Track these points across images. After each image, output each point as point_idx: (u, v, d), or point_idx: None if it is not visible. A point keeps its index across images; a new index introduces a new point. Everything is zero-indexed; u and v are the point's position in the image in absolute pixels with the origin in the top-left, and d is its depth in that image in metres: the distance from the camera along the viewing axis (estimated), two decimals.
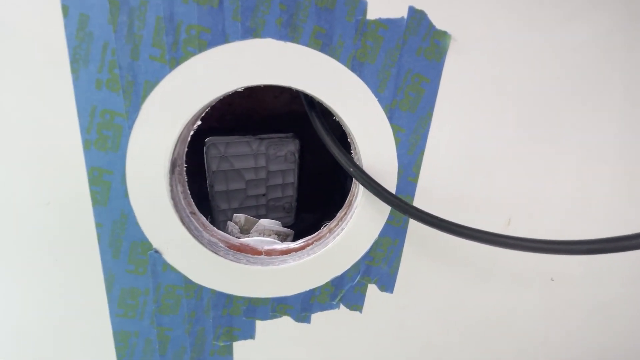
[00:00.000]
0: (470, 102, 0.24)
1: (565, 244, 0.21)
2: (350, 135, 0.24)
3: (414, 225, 0.26)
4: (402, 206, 0.23)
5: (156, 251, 0.23)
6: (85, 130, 0.20)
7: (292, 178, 0.90)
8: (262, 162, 0.90)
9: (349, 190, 0.28)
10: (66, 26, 0.18)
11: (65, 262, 0.22)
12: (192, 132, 0.24)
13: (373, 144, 0.23)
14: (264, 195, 0.89)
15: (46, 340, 0.24)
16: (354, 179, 0.25)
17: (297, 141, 0.85)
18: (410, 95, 0.23)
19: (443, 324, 0.30)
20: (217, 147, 0.88)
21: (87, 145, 0.20)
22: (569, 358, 0.34)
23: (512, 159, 0.26)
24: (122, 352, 0.25)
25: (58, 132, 0.20)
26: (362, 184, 0.23)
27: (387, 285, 0.27)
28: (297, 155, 0.87)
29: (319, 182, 0.97)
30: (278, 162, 0.91)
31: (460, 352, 0.32)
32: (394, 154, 0.24)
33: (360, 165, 0.24)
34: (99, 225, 0.22)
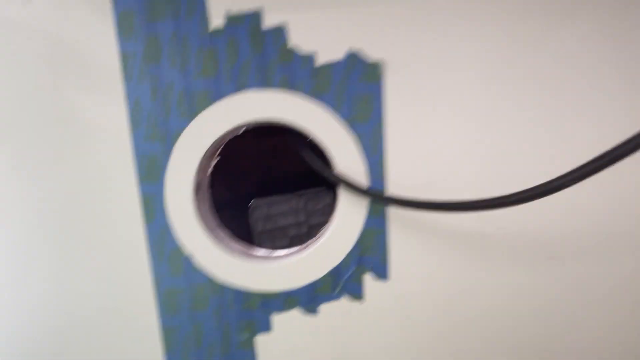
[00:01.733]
0: (414, 106, 0.30)
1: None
2: (324, 148, 0.31)
3: (393, 213, 0.30)
4: (375, 195, 0.29)
5: (188, 256, 0.30)
6: (139, 168, 0.30)
7: None
8: (302, 217, 0.98)
9: None
10: (127, 106, 0.29)
11: (120, 269, 0.31)
12: (211, 167, 0.33)
13: (341, 151, 0.30)
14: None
15: (103, 340, 0.31)
16: (334, 183, 0.31)
17: (332, 193, 0.93)
18: (361, 111, 0.30)
19: (444, 309, 0.32)
20: (260, 209, 0.98)
21: (140, 179, 0.30)
22: (575, 340, 0.32)
23: (470, 149, 0.30)
24: (168, 346, 0.31)
25: (121, 172, 0.30)
26: (339, 185, 0.30)
27: (381, 273, 0.31)
28: (334, 207, 0.93)
29: None
30: (317, 216, 0.98)
31: (466, 337, 0.32)
32: (360, 157, 0.30)
33: (335, 170, 0.30)
34: (148, 238, 0.30)
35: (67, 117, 0.29)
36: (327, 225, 0.33)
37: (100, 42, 0.29)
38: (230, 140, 0.34)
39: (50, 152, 0.30)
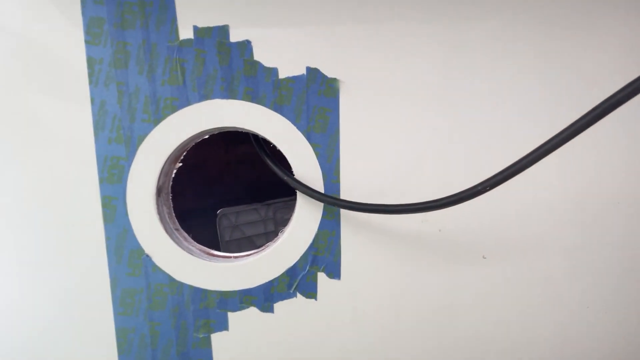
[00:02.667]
0: (365, 120, 0.33)
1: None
2: (284, 154, 0.33)
3: (345, 217, 0.33)
4: (328, 200, 0.31)
5: (147, 256, 0.31)
6: (100, 170, 0.30)
7: None
8: (271, 227, 0.98)
9: None
10: (92, 109, 0.30)
11: (79, 268, 0.31)
12: (174, 170, 0.34)
13: (300, 158, 0.32)
14: None
15: (56, 337, 0.31)
16: (293, 187, 0.33)
17: None
18: (319, 122, 0.32)
19: (394, 308, 0.34)
20: (228, 218, 0.98)
21: (101, 180, 0.30)
22: (526, 340, 0.36)
23: (416, 160, 0.34)
24: (122, 348, 0.31)
25: (82, 172, 0.30)
26: (297, 189, 0.32)
27: (334, 272, 0.33)
28: None
29: None
30: (286, 225, 0.99)
31: (414, 336, 0.35)
32: (316, 164, 0.33)
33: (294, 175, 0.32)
34: (108, 238, 0.31)
35: (31, 116, 0.30)
36: (283, 230, 0.35)
37: (67, 45, 0.29)
38: (198, 149, 0.35)
39: (12, 150, 0.30)
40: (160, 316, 0.32)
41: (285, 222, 0.99)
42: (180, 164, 0.35)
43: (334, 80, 0.32)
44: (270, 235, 0.97)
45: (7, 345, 0.31)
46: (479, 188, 0.25)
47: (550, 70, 0.33)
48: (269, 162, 0.33)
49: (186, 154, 0.35)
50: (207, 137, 0.33)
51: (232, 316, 0.32)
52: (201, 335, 0.32)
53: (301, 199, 0.33)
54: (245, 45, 0.31)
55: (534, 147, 0.23)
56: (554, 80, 0.33)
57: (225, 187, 0.97)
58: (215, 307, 0.32)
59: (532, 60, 0.33)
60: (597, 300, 0.36)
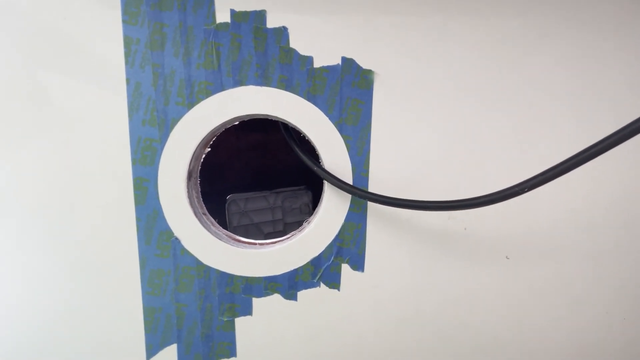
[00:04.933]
0: (398, 114, 0.33)
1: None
2: (314, 146, 0.33)
3: (372, 210, 0.33)
4: (357, 192, 0.31)
5: (176, 238, 0.31)
6: (133, 151, 0.30)
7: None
8: (278, 215, 0.99)
9: None
10: (127, 90, 0.30)
11: (109, 248, 0.31)
12: (204, 154, 0.34)
13: (330, 150, 0.32)
14: None
15: (85, 314, 0.32)
16: (322, 178, 0.33)
17: (309, 193, 0.95)
18: (352, 114, 0.32)
19: (414, 303, 0.35)
20: (237, 204, 0.99)
21: (134, 162, 0.31)
22: (544, 344, 0.37)
23: (445, 156, 0.33)
24: (149, 327, 0.32)
25: (116, 154, 0.30)
26: (326, 179, 0.32)
27: (358, 264, 0.34)
28: (310, 207, 0.96)
29: None
30: (294, 214, 1.00)
31: (433, 331, 0.35)
32: (347, 156, 0.32)
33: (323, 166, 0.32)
34: (138, 220, 0.31)
35: (66, 95, 0.30)
36: (308, 219, 0.35)
37: (104, 25, 0.29)
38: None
39: (46, 129, 0.30)
40: (187, 298, 0.32)
41: (293, 211, 1.00)
42: (209, 149, 0.35)
43: (369, 71, 0.32)
44: (277, 223, 0.98)
45: (38, 321, 0.32)
46: (517, 189, 0.25)
47: (593, 70, 0.32)
48: (298, 151, 0.33)
49: None
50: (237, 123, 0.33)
51: (256, 302, 0.33)
52: (226, 319, 0.33)
53: (329, 190, 0.33)
54: (282, 32, 0.31)
55: (573, 149, 0.23)
56: (596, 80, 0.32)
57: (235, 174, 0.98)
58: (240, 292, 0.32)
59: (575, 57, 0.32)
60: (617, 306, 0.36)
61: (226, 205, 0.94)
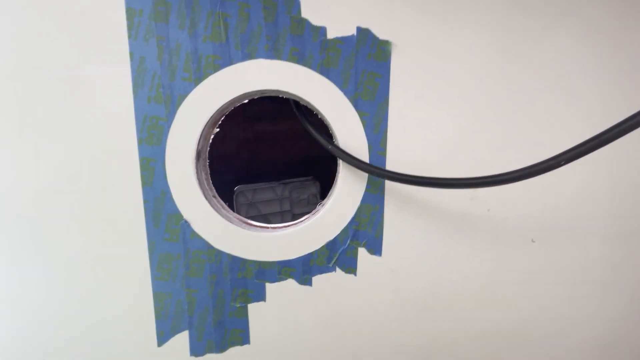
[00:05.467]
0: (417, 89, 0.31)
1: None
2: (327, 123, 0.31)
3: (390, 191, 0.31)
4: (375, 170, 0.29)
5: (186, 221, 0.30)
6: (139, 130, 0.29)
7: None
8: (286, 206, 0.97)
9: None
10: (131, 65, 0.28)
11: (116, 231, 0.30)
12: (212, 135, 0.33)
13: (345, 127, 0.31)
14: None
15: (94, 300, 0.31)
16: (336, 156, 0.31)
17: (317, 183, 0.93)
18: (368, 88, 0.30)
19: (434, 287, 0.33)
20: (245, 195, 0.97)
21: (140, 141, 0.29)
22: (568, 327, 0.35)
23: (468, 134, 0.31)
24: (159, 313, 0.31)
25: (121, 133, 0.29)
26: (341, 158, 0.30)
27: (375, 248, 0.32)
28: (318, 197, 0.94)
29: None
30: (301, 205, 0.98)
31: (453, 317, 0.34)
32: (363, 133, 0.31)
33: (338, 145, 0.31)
34: (145, 202, 0.30)
35: (68, 71, 0.28)
36: (322, 202, 0.34)
37: None
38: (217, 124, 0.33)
39: (48, 107, 0.29)
40: (198, 283, 0.31)
41: (301, 201, 0.99)
42: (218, 129, 0.33)
43: (386, 42, 0.30)
44: (285, 214, 0.97)
45: (47, 307, 0.31)
46: (553, 162, 0.23)
47: (623, 42, 0.30)
48: (311, 130, 0.31)
49: None
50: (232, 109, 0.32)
51: (269, 287, 0.32)
52: (238, 305, 0.31)
53: (344, 170, 0.31)
54: (293, 1, 0.29)
55: (603, 125, 0.21)
56: (627, 53, 0.30)
57: (242, 164, 0.97)
58: (253, 277, 0.31)
59: (599, 39, 0.30)
60: None
61: (234, 196, 0.93)
